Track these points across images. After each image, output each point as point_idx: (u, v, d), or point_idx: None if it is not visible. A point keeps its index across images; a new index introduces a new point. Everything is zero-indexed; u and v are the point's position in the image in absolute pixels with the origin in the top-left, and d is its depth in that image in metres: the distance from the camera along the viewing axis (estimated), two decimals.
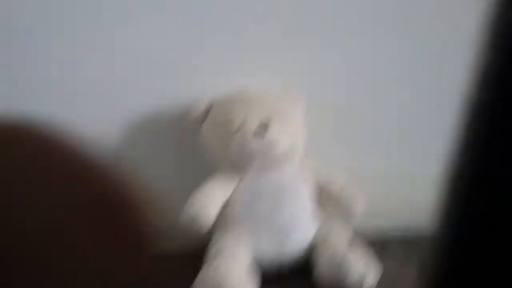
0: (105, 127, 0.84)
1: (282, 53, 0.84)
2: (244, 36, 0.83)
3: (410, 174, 0.91)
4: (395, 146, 0.93)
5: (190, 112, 0.81)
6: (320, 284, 0.75)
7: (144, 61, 0.82)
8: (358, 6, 0.83)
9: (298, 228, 0.78)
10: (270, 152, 0.75)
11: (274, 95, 0.81)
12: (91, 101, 0.83)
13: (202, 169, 0.85)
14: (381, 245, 0.89)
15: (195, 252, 0.84)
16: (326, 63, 0.86)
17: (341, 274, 0.71)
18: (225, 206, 0.78)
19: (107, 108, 0.84)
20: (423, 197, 0.89)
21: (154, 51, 0.81)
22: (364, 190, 0.83)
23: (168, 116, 0.85)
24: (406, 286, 0.77)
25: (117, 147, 0.85)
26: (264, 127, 0.74)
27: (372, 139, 0.92)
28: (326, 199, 0.82)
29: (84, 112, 0.82)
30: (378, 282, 0.73)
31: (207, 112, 0.80)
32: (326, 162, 0.88)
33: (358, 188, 0.81)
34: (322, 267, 0.75)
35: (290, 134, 0.77)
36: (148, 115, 0.85)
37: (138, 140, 0.86)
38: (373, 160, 0.92)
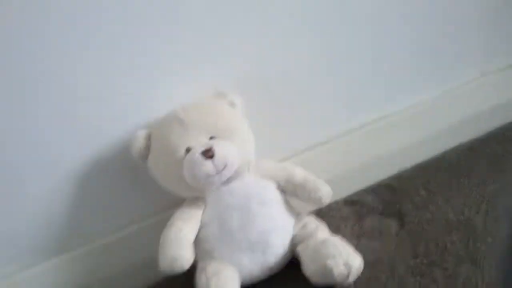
0: (50, 181, 0.79)
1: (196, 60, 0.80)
2: (155, 54, 0.77)
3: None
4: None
5: (131, 148, 0.76)
6: (309, 278, 0.74)
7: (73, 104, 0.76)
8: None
9: (275, 232, 0.77)
10: (225, 170, 0.72)
11: (207, 105, 0.77)
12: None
13: (159, 198, 0.83)
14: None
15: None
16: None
17: (327, 267, 0.71)
18: (199, 231, 0.76)
19: (47, 164, 0.78)
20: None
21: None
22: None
23: (110, 157, 0.80)
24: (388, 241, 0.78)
25: (66, 201, 0.81)
26: (210, 148, 0.71)
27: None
28: (293, 193, 0.81)
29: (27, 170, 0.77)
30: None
31: (147, 145, 0.76)
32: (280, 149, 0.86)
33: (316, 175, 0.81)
34: (308, 263, 0.75)
35: (238, 147, 0.73)
36: (90, 161, 0.80)
37: (89, 188, 0.81)
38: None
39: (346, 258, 0.71)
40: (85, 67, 0.73)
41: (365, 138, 0.92)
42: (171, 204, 0.79)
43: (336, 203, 0.92)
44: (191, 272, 0.78)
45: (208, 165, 0.70)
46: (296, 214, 0.82)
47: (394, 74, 0.93)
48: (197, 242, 0.76)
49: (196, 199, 0.77)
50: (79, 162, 0.79)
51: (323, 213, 0.85)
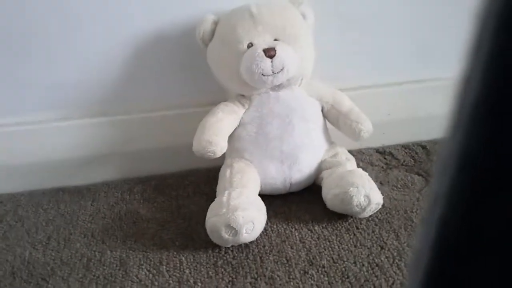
0: (108, 48, 0.81)
1: None
2: None
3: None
4: (407, 57, 0.91)
5: (196, 29, 0.77)
6: (328, 204, 0.76)
7: None
8: None
9: (307, 150, 0.79)
10: (280, 73, 0.72)
11: (281, 7, 0.77)
12: (93, 23, 0.79)
13: (209, 90, 0.84)
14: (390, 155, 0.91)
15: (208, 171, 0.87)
16: None
17: (348, 193, 0.72)
18: (236, 129, 0.78)
19: (109, 28, 0.80)
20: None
21: None
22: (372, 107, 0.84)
23: (172, 35, 0.81)
24: (413, 193, 0.79)
25: (121, 69, 0.83)
26: (273, 48, 0.71)
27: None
28: (335, 120, 0.82)
29: (87, 35, 0.79)
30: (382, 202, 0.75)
31: (213, 30, 0.76)
32: (335, 80, 0.86)
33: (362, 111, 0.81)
34: (330, 187, 0.76)
35: (299, 56, 0.74)
36: (151, 35, 0.81)
37: (142, 61, 0.83)
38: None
39: (368, 191, 0.73)
40: None
41: (419, 94, 0.92)
42: (216, 100, 0.81)
43: (368, 149, 0.93)
44: (215, 169, 0.81)
45: (266, 63, 0.71)
46: (330, 141, 0.83)
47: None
48: (231, 139, 0.78)
49: (242, 97, 0.78)
50: (141, 31, 0.80)
51: (353, 156, 0.86)
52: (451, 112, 0.22)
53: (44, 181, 0.87)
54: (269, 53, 0.71)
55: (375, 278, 0.66)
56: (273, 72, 0.72)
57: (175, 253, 0.72)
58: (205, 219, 0.71)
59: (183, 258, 0.71)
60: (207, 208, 0.72)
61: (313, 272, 0.67)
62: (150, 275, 0.68)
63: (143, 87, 0.85)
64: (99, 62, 0.82)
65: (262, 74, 0.72)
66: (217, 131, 0.75)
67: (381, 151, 0.93)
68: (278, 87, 0.76)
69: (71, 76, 0.82)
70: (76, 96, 0.84)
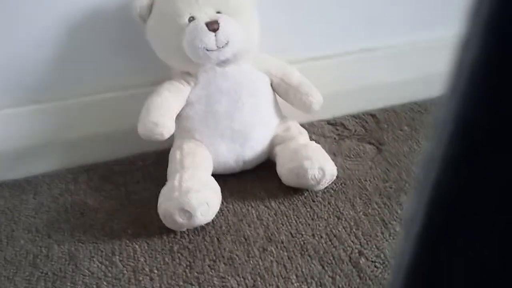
0: (38, 29, 0.75)
1: None
2: None
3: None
4: (354, 26, 0.90)
5: (132, 4, 0.72)
6: (283, 179, 0.75)
7: None
8: None
9: (258, 126, 0.77)
10: (224, 47, 0.69)
11: None
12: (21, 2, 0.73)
13: (152, 68, 0.80)
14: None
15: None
16: None
17: (302, 167, 0.71)
18: (184, 108, 0.75)
19: (39, 7, 0.74)
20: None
21: None
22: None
23: (110, 10, 0.76)
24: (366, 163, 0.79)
25: (54, 51, 0.77)
26: (216, 21, 0.68)
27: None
28: (285, 94, 0.80)
29: (15, 16, 0.73)
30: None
31: (150, 4, 0.72)
32: (282, 52, 0.85)
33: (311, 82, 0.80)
34: (284, 161, 0.75)
35: (244, 28, 0.71)
36: (84, 12, 0.76)
37: (76, 41, 0.77)
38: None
39: (322, 164, 0.72)
40: None
41: (368, 63, 0.91)
42: (160, 79, 0.77)
43: (319, 121, 0.92)
44: (165, 152, 0.78)
45: (210, 37, 0.68)
46: (282, 116, 0.81)
47: (417, 6, 0.91)
48: (179, 119, 0.75)
49: (188, 75, 0.75)
50: (73, 8, 0.75)
51: (305, 128, 0.85)
52: (448, 74, 0.22)
53: None
54: (212, 26, 0.68)
55: (333, 249, 0.66)
56: (217, 46, 0.69)
57: (127, 242, 0.69)
58: (156, 205, 0.68)
59: (137, 247, 0.68)
60: (159, 193, 0.69)
61: (272, 248, 0.66)
62: (103, 266, 0.65)
63: (79, 69, 0.79)
64: (30, 45, 0.76)
65: (206, 49, 0.69)
66: (163, 111, 0.71)
67: (332, 123, 0.92)
68: (224, 63, 0.73)
69: None
70: (6, 83, 0.78)
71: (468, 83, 0.20)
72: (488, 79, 0.20)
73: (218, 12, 0.71)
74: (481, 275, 0.21)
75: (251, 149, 0.77)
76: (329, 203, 0.73)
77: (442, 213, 0.22)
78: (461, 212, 0.21)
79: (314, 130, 0.90)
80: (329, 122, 0.92)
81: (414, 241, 0.24)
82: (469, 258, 0.21)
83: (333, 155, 0.83)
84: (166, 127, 0.71)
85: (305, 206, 0.73)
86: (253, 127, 0.76)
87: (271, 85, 0.79)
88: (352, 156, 0.84)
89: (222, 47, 0.69)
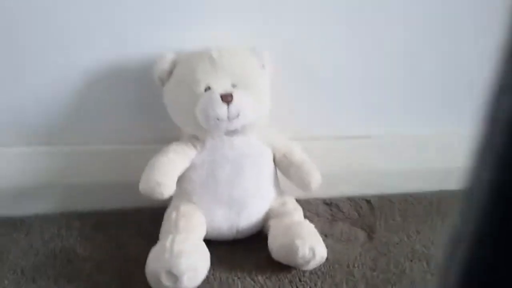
0: (58, 78, 0.79)
1: (251, 8, 0.81)
2: None
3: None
4: (357, 113, 0.94)
5: (154, 67, 0.76)
6: (273, 254, 0.76)
7: (105, 7, 0.76)
8: None
9: (257, 197, 0.79)
10: (235, 119, 0.72)
11: (241, 55, 0.78)
12: (45, 52, 0.77)
13: (160, 128, 0.83)
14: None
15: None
16: (298, 23, 0.83)
17: (293, 245, 0.72)
18: (186, 171, 0.77)
19: (61, 58, 0.78)
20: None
21: None
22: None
23: (130, 69, 0.80)
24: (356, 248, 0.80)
25: (68, 100, 0.80)
26: (230, 94, 0.72)
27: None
28: (286, 170, 0.82)
29: (38, 63, 0.77)
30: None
31: (171, 69, 0.76)
32: (287, 129, 0.88)
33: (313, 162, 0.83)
34: (276, 237, 0.76)
35: (256, 103, 0.75)
36: (105, 68, 0.80)
37: (92, 93, 0.81)
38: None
39: (314, 245, 0.73)
40: None
41: (369, 149, 0.94)
42: (167, 137, 0.79)
43: (315, 200, 0.94)
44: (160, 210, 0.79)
45: (223, 108, 0.71)
46: (279, 190, 0.83)
47: (418, 103, 0.95)
48: (180, 180, 0.77)
49: (195, 139, 0.77)
50: (95, 63, 0.79)
51: (300, 205, 0.86)
52: (475, 148, 0.21)
53: None
54: (226, 98, 0.71)
55: None
56: (228, 118, 0.72)
57: None
58: (145, 262, 0.69)
59: None
60: (149, 251, 0.69)
61: None
62: None
63: (90, 119, 0.82)
64: (47, 91, 0.79)
65: (217, 119, 0.72)
66: (167, 172, 0.73)
67: (328, 203, 0.94)
68: (232, 133, 0.76)
69: (14, 102, 0.78)
70: (18, 122, 0.80)
71: (502, 151, 0.19)
72: None
73: (234, 85, 0.74)
74: None
75: (247, 218, 0.78)
76: (315, 284, 0.74)
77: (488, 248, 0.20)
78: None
79: (309, 207, 0.91)
80: (324, 202, 0.94)
81: None
82: None
83: (325, 236, 0.84)
84: (167, 187, 0.72)
85: (291, 285, 0.73)
86: (251, 197, 0.78)
87: (274, 159, 0.81)
88: (343, 240, 0.85)
89: (233, 118, 0.72)
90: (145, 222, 0.84)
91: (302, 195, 0.90)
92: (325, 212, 0.91)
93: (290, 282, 0.74)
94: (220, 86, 0.73)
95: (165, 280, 0.65)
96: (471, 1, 0.85)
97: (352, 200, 0.95)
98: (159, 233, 0.75)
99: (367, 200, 0.95)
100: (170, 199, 0.78)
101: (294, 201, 0.83)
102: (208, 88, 0.73)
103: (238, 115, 0.72)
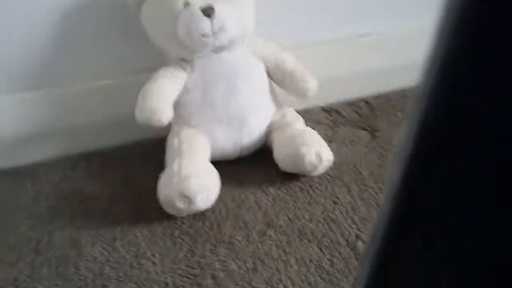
0: (31, 15, 0.75)
1: None
2: None
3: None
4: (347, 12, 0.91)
5: None
6: (280, 165, 0.76)
7: None
8: None
9: (255, 112, 0.78)
10: (220, 33, 0.70)
11: None
12: None
13: (147, 55, 0.81)
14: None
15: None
16: None
17: (299, 152, 0.72)
18: (181, 95, 0.75)
19: None
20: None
21: None
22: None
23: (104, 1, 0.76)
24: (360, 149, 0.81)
25: (48, 38, 0.77)
26: (211, 6, 0.68)
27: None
28: (280, 80, 0.81)
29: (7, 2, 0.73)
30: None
31: None
32: (277, 38, 0.85)
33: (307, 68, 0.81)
34: (281, 147, 0.76)
35: (238, 14, 0.71)
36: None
37: (70, 27, 0.77)
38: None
39: (319, 149, 0.73)
40: None
41: (361, 49, 0.93)
42: (156, 64, 0.77)
43: (314, 108, 0.93)
44: (163, 139, 0.78)
45: (205, 23, 0.68)
46: (278, 102, 0.82)
47: None
48: (176, 105, 0.76)
49: (183, 61, 0.76)
50: None
51: (300, 115, 0.86)
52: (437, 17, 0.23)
53: None
54: (207, 12, 0.68)
55: (331, 233, 0.67)
56: (213, 31, 0.69)
57: (129, 227, 0.70)
58: (156, 190, 0.69)
59: (138, 232, 0.69)
60: (157, 179, 0.70)
61: (271, 233, 0.68)
62: (105, 252, 0.66)
63: (75, 56, 0.79)
64: (23, 32, 0.75)
65: (202, 35, 0.69)
66: (161, 97, 0.72)
67: (327, 109, 0.93)
68: (219, 49, 0.73)
69: None
70: (3, 69, 0.77)
71: (455, 22, 0.21)
72: (476, 11, 0.21)
73: None
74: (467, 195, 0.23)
75: (248, 134, 0.78)
76: (326, 188, 0.75)
77: (431, 137, 0.23)
78: (449, 135, 0.23)
79: (309, 117, 0.91)
80: (324, 109, 0.94)
81: (404, 167, 0.25)
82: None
83: (329, 141, 0.84)
84: (164, 113, 0.71)
85: (302, 192, 0.74)
86: (250, 112, 0.77)
87: (267, 71, 0.80)
88: (347, 142, 0.85)
89: (218, 31, 0.70)
90: (150, 153, 0.84)
91: (301, 105, 0.89)
92: (326, 118, 0.91)
93: (301, 189, 0.75)
94: (199, 0, 0.70)
95: (179, 203, 0.66)
96: None
97: (351, 103, 0.95)
98: (164, 161, 0.75)
99: (366, 101, 0.95)
100: (169, 128, 0.77)
101: (294, 111, 0.83)
102: (186, 4, 0.70)
103: (223, 28, 0.69)
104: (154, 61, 0.79)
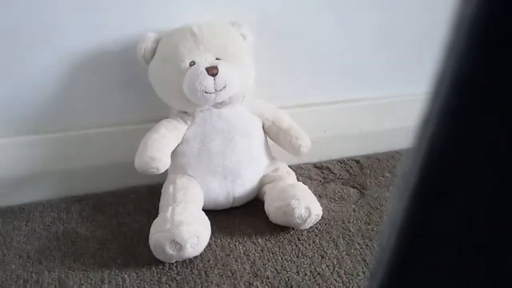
0: (44, 63, 0.79)
1: None
2: None
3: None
4: (341, 78, 0.96)
5: (137, 47, 0.77)
6: (271, 217, 0.78)
7: None
8: None
9: (249, 165, 0.81)
10: (222, 90, 0.74)
11: (222, 29, 0.79)
12: (28, 36, 0.77)
13: (150, 107, 0.84)
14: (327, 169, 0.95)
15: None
16: None
17: (289, 206, 0.74)
18: (179, 145, 0.78)
19: (46, 42, 0.78)
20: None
21: None
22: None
23: (113, 51, 0.81)
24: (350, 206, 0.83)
25: (57, 85, 0.81)
26: (215, 66, 0.73)
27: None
28: (276, 136, 0.84)
29: (22, 47, 0.77)
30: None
31: (154, 48, 0.77)
32: (275, 98, 0.89)
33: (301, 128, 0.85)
34: (272, 200, 0.78)
35: (240, 73, 0.76)
36: (90, 50, 0.80)
37: (80, 77, 0.81)
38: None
39: (308, 204, 0.75)
40: None
41: (354, 112, 0.97)
42: (158, 116, 0.81)
43: (306, 164, 0.97)
44: (157, 186, 0.81)
45: (209, 81, 0.73)
46: (271, 157, 0.85)
47: (401, 62, 0.97)
48: (174, 155, 0.79)
49: (185, 114, 0.79)
50: (79, 46, 0.79)
51: (292, 170, 0.89)
52: (446, 39, 0.23)
53: None
54: (212, 71, 0.73)
55: (317, 286, 0.68)
56: (215, 89, 0.73)
57: (117, 271, 0.70)
58: (147, 236, 0.71)
59: (126, 276, 0.69)
60: (149, 226, 0.71)
61: (258, 283, 0.68)
62: None
63: (80, 104, 0.83)
64: (35, 78, 0.79)
65: (205, 92, 0.73)
66: (160, 147, 0.75)
67: (319, 166, 0.96)
68: (220, 105, 0.78)
69: (3, 92, 0.79)
70: (8, 113, 0.81)
71: (465, 43, 0.21)
72: (485, 38, 0.20)
73: (217, 58, 0.76)
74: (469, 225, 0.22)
75: (242, 186, 0.80)
76: (313, 242, 0.76)
77: (438, 165, 0.23)
78: (455, 164, 0.22)
79: (301, 172, 0.94)
80: (315, 166, 0.97)
81: (410, 195, 0.24)
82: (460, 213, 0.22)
83: (319, 196, 0.87)
84: (162, 162, 0.74)
85: (290, 244, 0.76)
86: (245, 166, 0.80)
87: (263, 127, 0.84)
88: (336, 199, 0.88)
89: (220, 90, 0.74)
90: (143, 199, 0.86)
91: (294, 161, 0.93)
92: (317, 175, 0.94)
93: (289, 241, 0.76)
94: (205, 60, 0.75)
95: (170, 249, 0.68)
96: None
97: (342, 162, 0.98)
98: (158, 208, 0.76)
99: (356, 161, 0.98)
100: (165, 174, 0.80)
101: (287, 166, 0.86)
102: (192, 63, 0.75)
103: (224, 86, 0.74)
104: (156, 113, 0.82)
